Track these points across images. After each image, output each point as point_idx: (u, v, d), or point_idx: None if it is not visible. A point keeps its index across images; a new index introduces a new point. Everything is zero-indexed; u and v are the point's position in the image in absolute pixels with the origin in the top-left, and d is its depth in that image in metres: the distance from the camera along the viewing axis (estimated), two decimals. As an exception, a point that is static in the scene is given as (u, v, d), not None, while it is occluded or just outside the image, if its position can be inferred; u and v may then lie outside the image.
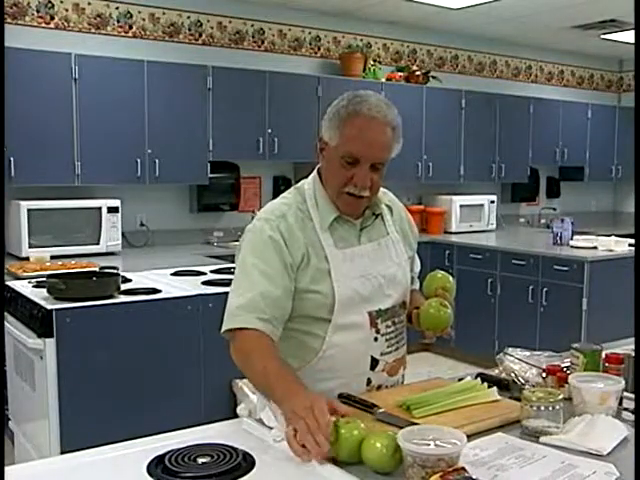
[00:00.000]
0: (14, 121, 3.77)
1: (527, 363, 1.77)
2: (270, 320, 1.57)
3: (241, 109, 4.95)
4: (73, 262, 3.93)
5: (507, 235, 6.20)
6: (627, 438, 1.42)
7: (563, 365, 1.73)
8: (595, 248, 4.92)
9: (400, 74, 5.97)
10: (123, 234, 4.64)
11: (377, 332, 1.70)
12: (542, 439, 1.40)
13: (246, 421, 1.51)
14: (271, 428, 1.42)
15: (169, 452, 1.33)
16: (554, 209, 7.08)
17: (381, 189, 1.76)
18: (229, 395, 3.03)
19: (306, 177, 1.78)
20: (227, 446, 1.36)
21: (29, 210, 4.20)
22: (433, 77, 6.12)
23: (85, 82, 4.31)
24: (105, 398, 2.84)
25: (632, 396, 1.57)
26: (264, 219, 1.67)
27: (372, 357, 1.70)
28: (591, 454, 1.34)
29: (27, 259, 4.09)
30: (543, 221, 7.08)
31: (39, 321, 2.77)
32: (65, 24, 4.64)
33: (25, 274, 3.61)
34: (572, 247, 5.04)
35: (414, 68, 6.09)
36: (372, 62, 5.82)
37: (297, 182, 1.79)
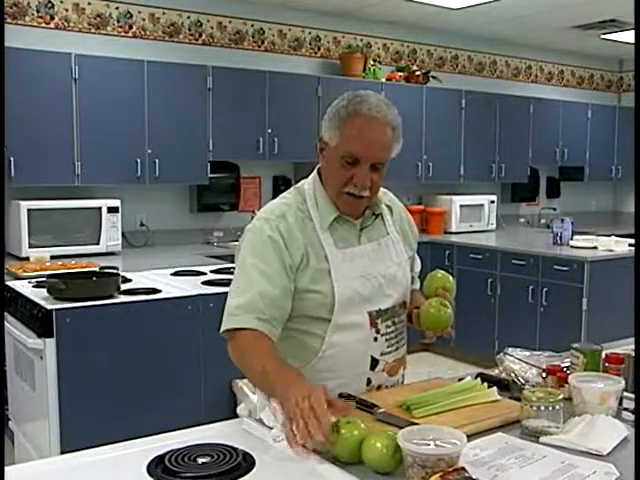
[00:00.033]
0: (14, 121, 3.77)
1: (527, 363, 1.77)
2: (269, 320, 1.57)
3: (241, 109, 4.95)
4: (73, 262, 3.93)
5: (507, 235, 6.20)
6: (627, 438, 1.42)
7: (563, 365, 1.73)
8: (595, 248, 4.92)
9: (400, 74, 5.97)
10: (123, 234, 4.64)
11: (377, 332, 1.70)
12: (542, 439, 1.40)
13: (246, 421, 1.51)
14: (271, 428, 1.42)
15: (169, 452, 1.33)
16: (554, 209, 7.08)
17: (381, 189, 1.76)
18: (229, 395, 3.03)
19: (306, 177, 1.78)
20: (227, 446, 1.36)
21: (29, 210, 4.20)
22: (433, 77, 6.12)
23: (85, 82, 4.32)
24: (105, 398, 2.84)
25: (632, 396, 1.57)
26: (264, 219, 1.67)
27: (372, 357, 1.70)
28: (591, 454, 1.34)
29: (27, 259, 4.09)
30: (543, 221, 7.08)
31: (39, 321, 2.77)
32: (65, 24, 4.64)
33: (25, 274, 3.61)
34: (572, 247, 5.04)
35: (414, 68, 6.10)
36: (372, 62, 5.83)
37: (297, 182, 1.79)
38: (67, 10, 4.64)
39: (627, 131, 7.14)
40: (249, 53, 5.42)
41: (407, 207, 1.96)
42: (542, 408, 1.43)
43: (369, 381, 1.71)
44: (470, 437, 1.35)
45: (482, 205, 6.32)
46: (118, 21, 4.84)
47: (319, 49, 5.80)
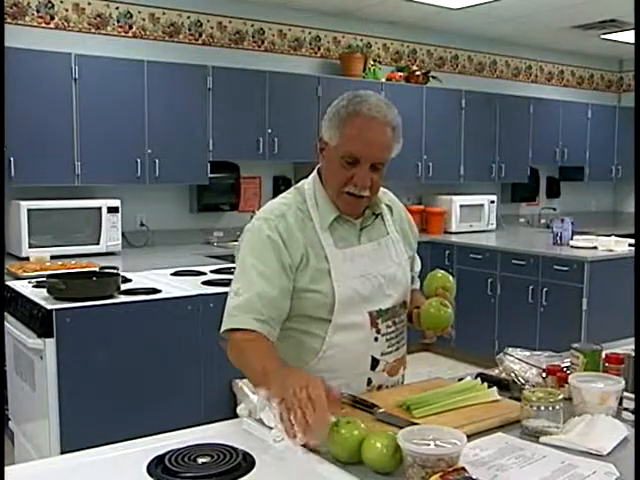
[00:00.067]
0: (14, 121, 3.77)
1: (527, 363, 1.77)
2: (267, 321, 1.58)
3: (241, 109, 4.95)
4: (73, 262, 3.93)
5: (507, 235, 6.20)
6: (627, 438, 1.42)
7: (563, 365, 1.73)
8: (595, 248, 4.92)
9: (400, 74, 5.97)
10: (123, 234, 4.64)
11: (377, 332, 1.70)
12: (542, 439, 1.40)
13: (246, 421, 1.51)
14: (271, 428, 1.42)
15: (169, 452, 1.33)
16: (554, 209, 7.08)
17: (381, 189, 1.77)
18: (229, 395, 3.03)
19: (306, 177, 1.78)
20: (227, 446, 1.36)
21: (29, 210, 4.20)
22: (433, 77, 6.12)
23: (85, 82, 4.32)
24: (105, 398, 2.84)
25: (632, 396, 1.57)
26: (263, 219, 1.67)
27: (372, 357, 1.70)
28: (591, 454, 1.34)
29: (27, 259, 4.09)
30: (543, 221, 7.08)
31: (39, 321, 2.77)
32: (65, 24, 4.64)
33: (25, 274, 3.61)
34: (572, 247, 5.04)
35: (414, 68, 6.09)
36: (372, 62, 5.82)
37: (297, 182, 1.79)
38: (67, 10, 4.64)
39: (627, 131, 7.14)
40: (249, 53, 5.42)
41: (407, 207, 1.96)
42: (542, 408, 1.43)
43: (369, 381, 1.71)
44: (470, 437, 1.35)
45: (482, 205, 6.32)
46: (118, 21, 4.84)
47: (319, 49, 5.80)
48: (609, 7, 5.47)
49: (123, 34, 4.87)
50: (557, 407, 1.44)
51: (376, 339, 1.70)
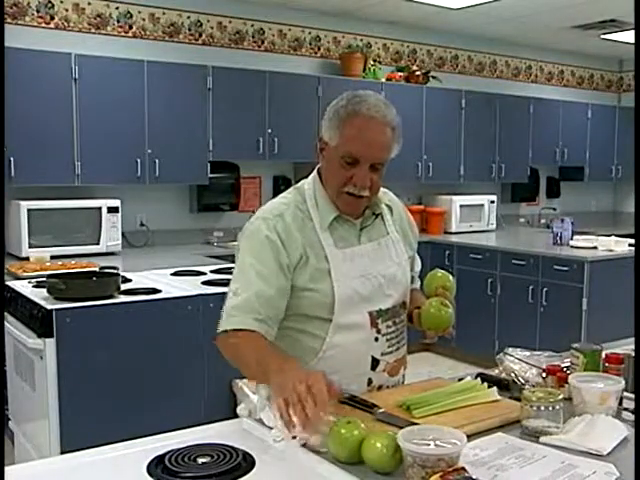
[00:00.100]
0: (14, 121, 3.77)
1: (527, 363, 1.77)
2: (265, 320, 1.58)
3: (241, 109, 4.95)
4: (73, 262, 3.93)
5: (507, 235, 6.20)
6: (627, 438, 1.42)
7: (563, 365, 1.73)
8: (595, 248, 4.92)
9: (400, 74, 5.97)
10: (123, 234, 4.64)
11: (378, 332, 1.70)
12: (542, 439, 1.40)
13: (246, 421, 1.51)
14: (271, 428, 1.42)
15: (169, 452, 1.33)
16: (554, 209, 7.08)
17: (381, 189, 1.77)
18: (229, 395, 3.03)
19: (306, 177, 1.78)
20: (227, 446, 1.36)
21: (29, 210, 4.20)
22: (433, 77, 6.12)
23: (85, 82, 4.32)
24: (105, 398, 2.84)
25: (632, 396, 1.57)
26: (262, 218, 1.67)
27: (373, 357, 1.70)
28: (591, 454, 1.34)
29: (27, 259, 4.09)
30: (543, 221, 7.08)
31: (39, 321, 2.77)
32: (65, 24, 4.64)
33: (25, 274, 3.61)
34: (572, 247, 5.04)
35: (414, 68, 6.09)
36: (372, 62, 5.82)
37: (297, 182, 1.79)
38: (67, 10, 4.64)
39: (627, 131, 7.14)
40: (249, 53, 5.42)
41: (407, 207, 1.96)
42: (542, 408, 1.43)
43: (370, 381, 1.71)
44: (470, 437, 1.35)
45: (482, 205, 6.32)
46: (118, 21, 4.84)
47: (319, 49, 5.80)
48: (609, 7, 5.47)
49: (123, 34, 4.87)
50: (557, 407, 1.44)
51: (376, 339, 1.70)
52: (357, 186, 1.63)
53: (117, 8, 4.83)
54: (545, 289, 4.86)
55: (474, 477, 1.14)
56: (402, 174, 5.52)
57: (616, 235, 5.15)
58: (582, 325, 4.63)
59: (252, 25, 5.44)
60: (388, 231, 1.78)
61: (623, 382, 1.56)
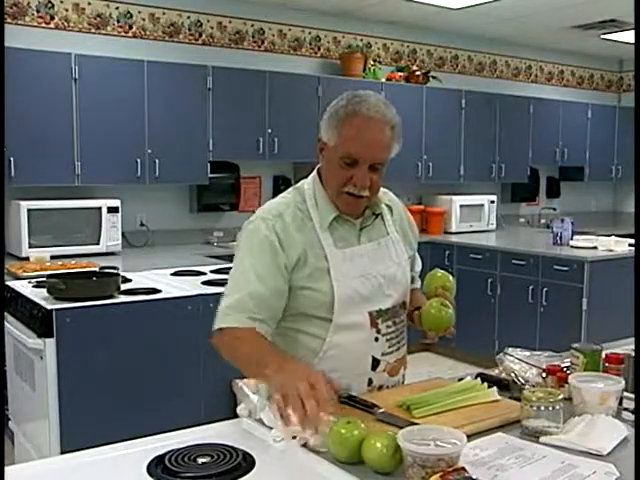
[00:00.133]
0: (14, 121, 3.77)
1: (527, 363, 1.77)
2: (259, 319, 1.59)
3: (241, 109, 4.95)
4: (73, 262, 3.93)
5: (507, 235, 6.20)
6: (627, 438, 1.42)
7: (563, 365, 1.73)
8: (595, 248, 4.92)
9: (400, 74, 5.97)
10: (123, 234, 4.64)
11: (378, 332, 1.70)
12: (542, 439, 1.40)
13: (246, 421, 1.51)
14: (271, 428, 1.42)
15: (169, 452, 1.33)
16: (554, 209, 7.08)
17: (381, 189, 1.77)
18: (229, 395, 3.01)
19: (306, 177, 1.78)
20: (227, 446, 1.36)
21: (29, 210, 4.20)
22: (433, 77, 6.12)
23: (85, 82, 4.32)
24: (105, 398, 2.84)
25: (632, 396, 1.56)
26: (261, 218, 1.67)
27: (373, 357, 1.70)
28: (591, 454, 1.34)
29: (27, 259, 4.09)
30: (543, 221, 7.08)
31: (39, 321, 2.77)
32: (65, 24, 4.64)
33: (25, 274, 3.61)
34: (572, 247, 5.04)
35: (414, 68, 6.09)
36: (372, 62, 5.82)
37: (297, 182, 1.79)
38: (67, 10, 4.64)
39: (627, 131, 7.14)
40: (249, 53, 5.42)
41: (407, 207, 1.96)
42: (542, 408, 1.43)
43: (370, 381, 1.71)
44: (470, 437, 1.35)
45: (482, 205, 6.32)
46: (118, 21, 4.84)
47: (319, 49, 5.80)
48: (609, 7, 5.47)
49: (123, 34, 4.87)
50: (557, 407, 1.44)
51: (376, 339, 1.70)
52: (357, 186, 1.63)
53: (117, 8, 4.83)
54: (545, 289, 4.86)
55: (474, 477, 1.14)
56: (402, 174, 5.52)
57: (616, 235, 5.15)
58: (582, 325, 4.63)
59: (252, 25, 5.44)
60: (388, 231, 1.78)
61: (623, 382, 1.56)
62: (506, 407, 1.56)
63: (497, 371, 1.81)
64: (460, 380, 1.73)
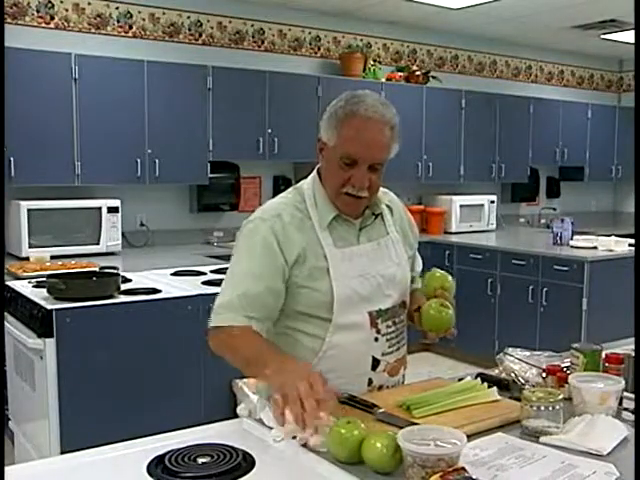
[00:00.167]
0: (14, 121, 3.77)
1: (527, 363, 1.77)
2: (254, 318, 1.59)
3: (241, 109, 4.95)
4: (73, 262, 3.93)
5: (507, 235, 6.20)
6: (627, 438, 1.42)
7: (563, 365, 1.73)
8: (595, 248, 4.92)
9: (400, 74, 5.97)
10: (123, 234, 4.64)
11: (378, 332, 1.70)
12: (542, 439, 1.40)
13: (246, 421, 1.51)
14: (271, 428, 1.42)
15: (169, 452, 1.33)
16: (554, 209, 7.08)
17: (382, 189, 1.77)
18: (229, 395, 3.03)
19: (306, 177, 1.78)
20: (227, 446, 1.36)
21: (29, 210, 4.20)
22: (433, 77, 6.12)
23: (85, 82, 4.31)
24: (105, 398, 2.84)
25: (632, 396, 1.56)
26: (259, 218, 1.68)
27: (373, 357, 1.70)
28: (591, 454, 1.34)
29: (27, 259, 4.09)
30: (543, 221, 7.08)
31: (39, 321, 2.77)
32: (65, 24, 4.64)
33: (25, 274, 3.61)
34: (572, 247, 5.04)
35: (414, 68, 6.09)
36: (372, 62, 5.82)
37: (297, 182, 1.79)
38: (67, 10, 4.64)
39: (627, 131, 7.14)
40: (249, 53, 5.42)
41: (407, 207, 1.96)
42: (542, 408, 1.43)
43: (370, 381, 1.71)
44: (470, 437, 1.35)
45: (482, 205, 6.32)
46: (118, 21, 4.84)
47: (319, 49, 5.80)
48: (609, 7, 5.47)
49: (123, 34, 4.87)
50: (557, 407, 1.44)
51: (376, 339, 1.70)
52: (356, 187, 1.63)
53: (117, 8, 4.83)
54: (545, 289, 4.86)
55: (474, 477, 1.14)
56: (402, 174, 5.52)
57: (616, 235, 5.15)
58: (582, 325, 4.63)
59: (252, 25, 5.44)
60: (388, 231, 1.78)
61: (623, 382, 1.56)
62: (506, 407, 1.56)
63: (497, 371, 1.81)
64: (460, 380, 1.73)
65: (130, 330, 2.92)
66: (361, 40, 5.99)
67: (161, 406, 2.91)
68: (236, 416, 1.56)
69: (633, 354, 1.70)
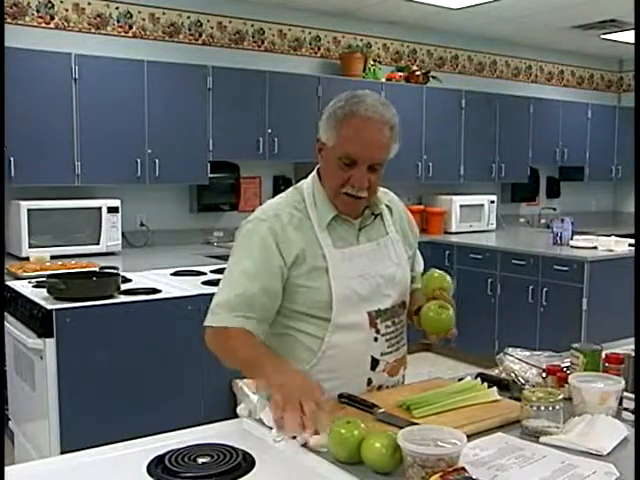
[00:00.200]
0: (14, 121, 3.77)
1: (527, 363, 1.77)
2: (249, 318, 1.60)
3: (241, 109, 4.95)
4: (73, 262, 3.93)
5: (507, 235, 6.20)
6: (627, 438, 1.42)
7: (563, 365, 1.73)
8: (595, 248, 4.92)
9: (400, 74, 5.97)
10: (123, 234, 4.64)
11: (377, 332, 1.70)
12: (542, 439, 1.40)
13: (246, 421, 1.51)
14: (271, 428, 1.42)
15: (169, 452, 1.33)
16: (554, 209, 7.08)
17: (382, 189, 1.77)
18: (229, 395, 3.03)
19: (306, 177, 1.78)
20: (227, 446, 1.36)
21: (29, 210, 4.20)
22: (433, 77, 6.12)
23: (85, 82, 4.31)
24: (105, 398, 2.84)
25: (632, 396, 1.56)
26: (258, 218, 1.68)
27: (372, 357, 1.70)
28: (591, 454, 1.34)
29: (27, 259, 4.09)
30: (543, 221, 7.08)
31: (39, 321, 2.77)
32: (65, 24, 4.64)
33: (25, 274, 3.60)
34: (572, 247, 5.04)
35: (414, 68, 6.09)
36: (372, 62, 5.82)
37: (297, 182, 1.79)
38: (67, 10, 4.64)
39: (627, 131, 7.14)
40: (249, 53, 5.42)
41: (407, 207, 1.96)
42: (542, 408, 1.43)
43: (370, 381, 1.71)
44: (470, 437, 1.35)
45: (482, 205, 6.32)
46: (118, 21, 4.84)
47: (319, 49, 5.80)
48: (609, 7, 5.47)
49: (123, 34, 4.87)
50: (557, 407, 1.44)
51: (376, 339, 1.70)
52: (355, 187, 1.63)
53: (117, 8, 4.83)
54: (545, 289, 4.86)
55: (474, 477, 1.14)
56: (402, 174, 5.52)
57: (616, 235, 5.15)
58: (582, 325, 4.63)
59: (252, 25, 5.44)
60: (387, 231, 1.78)
61: (623, 382, 1.56)
62: (506, 407, 1.56)
63: (497, 371, 1.81)
64: (460, 380, 1.73)
65: (130, 330, 2.92)
66: (361, 40, 5.99)
67: (161, 406, 2.91)
68: (236, 416, 1.56)
69: (633, 354, 1.70)
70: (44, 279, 3.01)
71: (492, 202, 6.38)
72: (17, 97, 3.91)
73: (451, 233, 6.03)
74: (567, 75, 7.54)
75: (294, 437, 1.36)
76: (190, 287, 3.21)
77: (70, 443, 2.56)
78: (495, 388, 1.65)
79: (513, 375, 1.74)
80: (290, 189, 1.77)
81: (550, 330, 4.78)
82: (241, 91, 4.94)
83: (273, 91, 5.07)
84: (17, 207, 4.20)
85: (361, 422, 1.33)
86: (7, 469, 1.25)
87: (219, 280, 3.37)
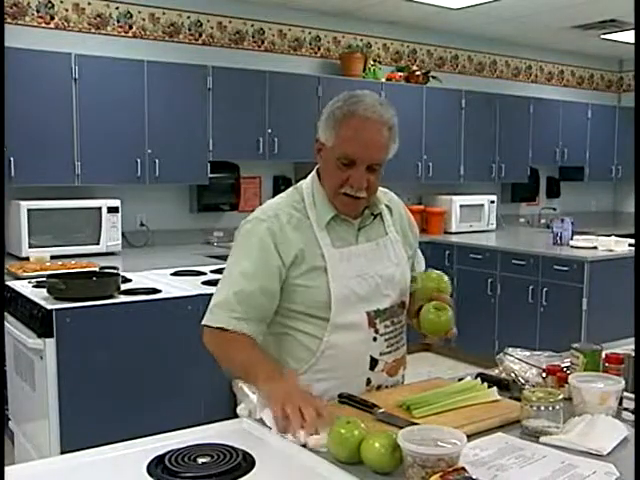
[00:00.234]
0: (14, 121, 3.77)
1: (527, 363, 1.77)
2: (246, 319, 1.60)
3: (241, 109, 4.95)
4: (73, 262, 3.93)
5: (507, 235, 6.20)
6: (627, 438, 1.42)
7: (563, 365, 1.73)
8: (595, 248, 4.92)
9: (400, 74, 5.97)
10: (123, 234, 4.64)
11: (376, 332, 1.70)
12: (542, 439, 1.40)
13: (246, 421, 1.51)
14: (271, 428, 1.42)
15: (169, 452, 1.33)
16: (554, 209, 7.08)
17: (382, 189, 1.77)
18: (229, 395, 3.02)
19: (306, 177, 1.78)
20: (227, 446, 1.35)
21: (29, 210, 4.20)
22: (433, 77, 6.12)
23: (85, 82, 4.31)
24: (105, 398, 2.84)
25: (632, 396, 1.56)
26: (257, 218, 1.68)
27: (371, 357, 1.70)
28: (591, 454, 1.34)
29: (27, 259, 4.09)
30: (543, 221, 7.08)
31: (39, 321, 2.77)
32: (65, 24, 4.64)
33: (25, 274, 3.60)
34: (572, 247, 5.04)
35: (414, 68, 6.09)
36: (372, 62, 5.82)
37: (297, 182, 1.80)
38: (67, 10, 4.64)
39: (627, 131, 7.14)
40: (249, 53, 5.42)
41: (407, 207, 1.95)
42: (542, 408, 1.43)
43: (369, 381, 1.71)
44: (470, 437, 1.35)
45: (482, 205, 6.32)
46: (118, 21, 4.84)
47: (319, 49, 5.80)
48: (609, 7, 5.47)
49: (123, 34, 4.87)
50: (557, 407, 1.44)
51: (375, 339, 1.70)
52: (354, 187, 1.63)
53: (117, 8, 4.83)
54: (545, 289, 4.86)
55: (474, 477, 1.14)
56: (402, 174, 5.52)
57: (616, 235, 5.15)
58: (582, 325, 4.63)
59: (252, 25, 5.44)
60: (387, 231, 1.78)
61: (623, 382, 1.56)
62: (506, 407, 1.56)
63: (497, 371, 1.81)
64: (460, 380, 1.73)
65: (130, 330, 2.92)
66: (361, 40, 5.99)
67: (161, 406, 2.91)
68: (236, 416, 1.56)
69: (633, 354, 1.70)
70: (44, 279, 3.00)
71: (492, 202, 6.38)
72: (17, 97, 3.91)
73: (451, 233, 6.03)
74: (567, 75, 7.54)
75: (294, 437, 1.36)
76: (190, 287, 3.21)
77: (70, 443, 2.56)
78: (495, 388, 1.65)
79: (513, 375, 1.74)
80: (290, 189, 1.77)
81: (550, 330, 4.78)
82: (241, 91, 4.94)
83: (273, 91, 5.07)
84: (17, 207, 4.20)
85: (361, 422, 1.33)
86: (7, 469, 1.25)
87: (219, 280, 3.39)
